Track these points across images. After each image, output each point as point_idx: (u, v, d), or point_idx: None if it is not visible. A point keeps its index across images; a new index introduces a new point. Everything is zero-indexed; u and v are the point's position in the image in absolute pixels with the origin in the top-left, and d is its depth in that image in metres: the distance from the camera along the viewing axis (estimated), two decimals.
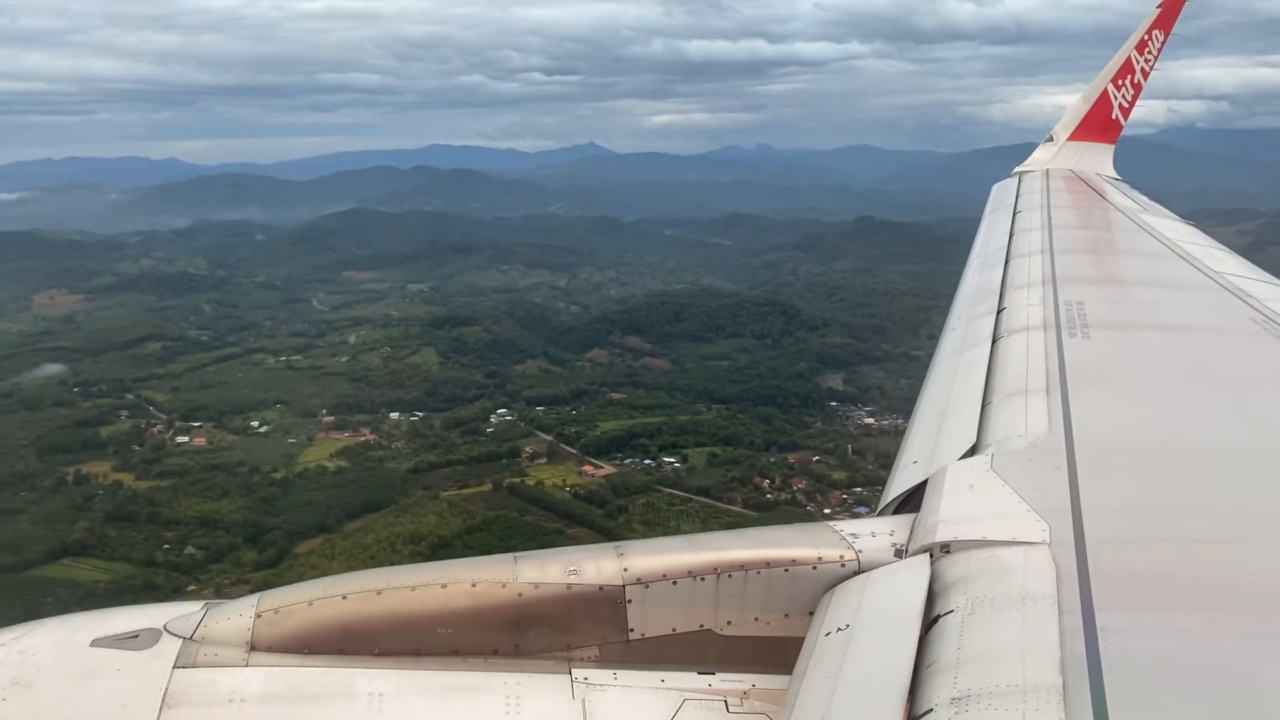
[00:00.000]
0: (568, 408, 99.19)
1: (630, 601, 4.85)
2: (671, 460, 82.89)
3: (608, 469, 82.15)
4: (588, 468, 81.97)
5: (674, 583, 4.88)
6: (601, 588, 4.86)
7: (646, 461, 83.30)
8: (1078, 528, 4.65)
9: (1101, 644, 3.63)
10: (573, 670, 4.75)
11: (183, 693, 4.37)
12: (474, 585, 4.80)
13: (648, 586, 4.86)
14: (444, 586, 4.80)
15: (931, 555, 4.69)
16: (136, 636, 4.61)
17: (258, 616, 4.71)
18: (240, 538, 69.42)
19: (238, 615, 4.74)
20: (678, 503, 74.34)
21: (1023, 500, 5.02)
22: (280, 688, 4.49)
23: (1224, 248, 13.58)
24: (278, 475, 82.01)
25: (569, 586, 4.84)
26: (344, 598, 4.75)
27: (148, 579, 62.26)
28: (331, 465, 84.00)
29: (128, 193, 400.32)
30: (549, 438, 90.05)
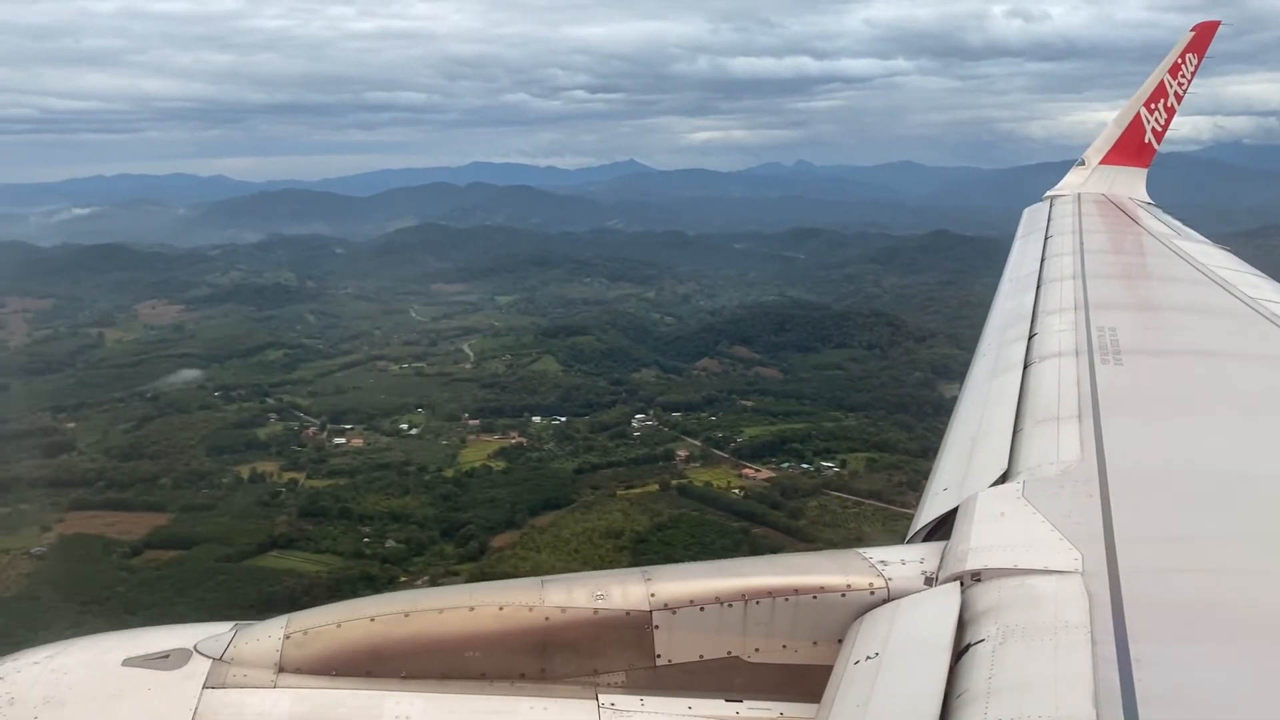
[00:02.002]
0: (704, 414, 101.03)
1: (657, 627, 4.82)
2: (829, 465, 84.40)
3: (766, 472, 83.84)
4: (747, 471, 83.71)
5: (701, 609, 4.85)
6: (628, 613, 4.84)
7: (804, 466, 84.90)
8: (1111, 557, 4.61)
9: (1136, 675, 3.60)
10: (599, 696, 4.73)
11: (212, 713, 4.43)
12: (501, 609, 4.81)
13: (675, 612, 4.84)
14: (471, 610, 4.81)
15: (962, 583, 4.67)
16: (167, 656, 4.66)
17: (286, 638, 4.74)
18: (436, 532, 71.87)
19: (266, 636, 4.77)
20: (851, 506, 75.86)
21: (1055, 528, 5.00)
22: (307, 709, 4.52)
23: (1260, 274, 13.35)
24: (447, 474, 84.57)
25: (596, 611, 4.82)
26: (372, 620, 4.78)
27: (363, 570, 64.67)
28: (498, 466, 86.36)
29: (194, 208, 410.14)
30: (697, 442, 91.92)
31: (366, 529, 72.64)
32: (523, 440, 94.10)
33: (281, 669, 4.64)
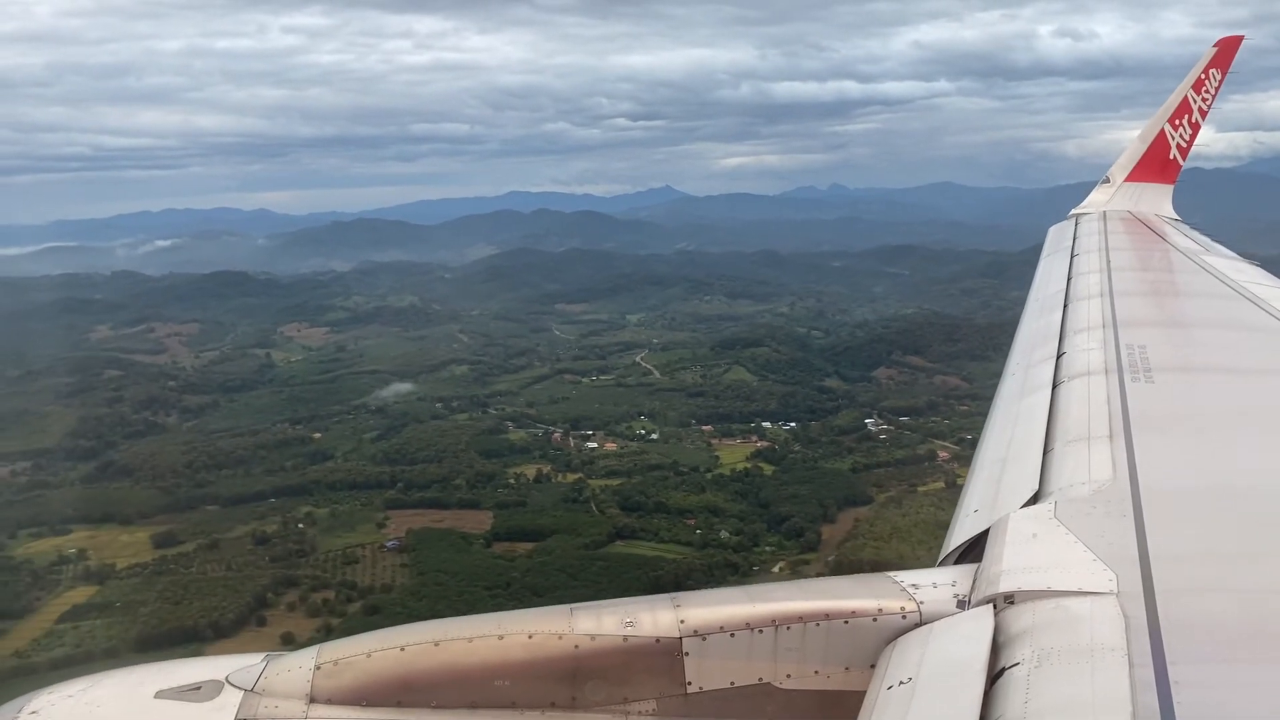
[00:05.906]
0: (933, 418, 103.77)
1: (687, 654, 4.80)
2: None
3: None
4: None
5: (731, 635, 4.83)
6: (658, 640, 4.82)
7: None
8: (1146, 577, 4.54)
9: (1175, 698, 3.53)
10: None
11: None
12: (530, 637, 4.81)
13: (705, 639, 4.82)
14: (500, 638, 4.82)
15: (995, 606, 4.64)
16: (199, 688, 4.69)
17: (317, 668, 4.77)
18: (760, 525, 74.71)
19: (298, 667, 4.81)
20: None
21: (1088, 549, 4.93)
22: None
23: None
24: (725, 473, 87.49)
25: (625, 639, 4.82)
26: (402, 649, 4.81)
27: (725, 559, 67.57)
28: (766, 468, 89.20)
29: (272, 238, 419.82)
30: (948, 444, 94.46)
31: (690, 521, 75.59)
32: (771, 444, 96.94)
33: (313, 700, 4.69)
